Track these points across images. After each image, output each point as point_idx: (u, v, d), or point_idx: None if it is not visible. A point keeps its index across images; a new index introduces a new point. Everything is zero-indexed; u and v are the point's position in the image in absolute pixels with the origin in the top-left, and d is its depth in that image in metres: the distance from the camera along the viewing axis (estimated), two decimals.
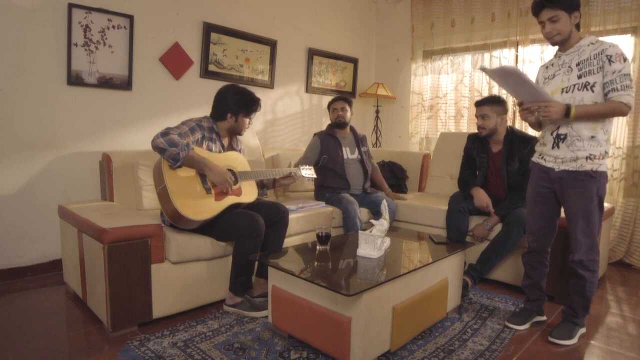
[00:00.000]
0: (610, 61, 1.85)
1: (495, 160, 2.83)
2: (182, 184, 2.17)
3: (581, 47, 1.97)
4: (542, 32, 2.01)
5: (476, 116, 2.83)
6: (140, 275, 2.06)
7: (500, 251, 2.64)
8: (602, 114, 1.88)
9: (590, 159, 1.93)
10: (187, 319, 2.21)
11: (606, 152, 1.95)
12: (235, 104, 2.41)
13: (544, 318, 2.31)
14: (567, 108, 1.86)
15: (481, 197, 2.74)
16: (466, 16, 4.18)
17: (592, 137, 1.92)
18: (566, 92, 1.97)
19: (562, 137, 1.99)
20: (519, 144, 2.72)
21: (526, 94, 1.93)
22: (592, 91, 1.90)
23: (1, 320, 2.18)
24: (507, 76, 1.89)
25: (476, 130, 2.88)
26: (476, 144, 2.91)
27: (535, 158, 2.16)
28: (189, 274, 2.23)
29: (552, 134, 2.02)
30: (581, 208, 1.96)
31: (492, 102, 2.76)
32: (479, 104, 2.81)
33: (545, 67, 2.13)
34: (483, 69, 1.99)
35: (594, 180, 1.94)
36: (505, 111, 2.80)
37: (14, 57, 2.62)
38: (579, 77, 1.94)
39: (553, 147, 2.02)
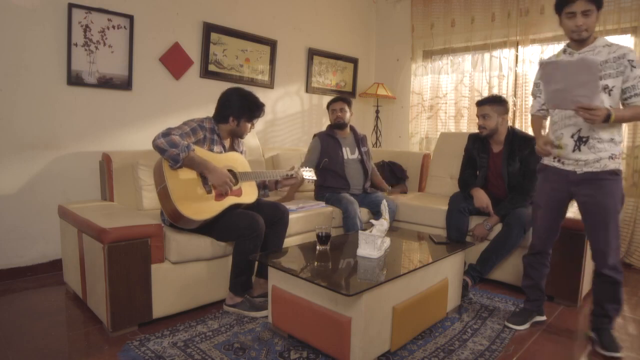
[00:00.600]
0: (632, 66, 1.85)
1: (495, 161, 2.83)
2: (182, 184, 2.17)
3: (596, 48, 1.94)
4: (567, 24, 1.92)
5: (477, 116, 2.82)
6: (140, 275, 2.06)
7: (500, 251, 2.64)
8: (633, 118, 1.90)
9: (612, 158, 1.93)
10: (187, 319, 2.21)
11: (621, 153, 1.97)
12: (239, 108, 2.40)
13: (544, 318, 2.31)
14: (609, 114, 1.82)
15: (481, 197, 2.74)
16: (466, 16, 4.18)
17: (611, 139, 1.93)
18: None
19: (583, 140, 1.96)
20: (519, 144, 2.72)
21: (577, 95, 1.83)
22: (610, 94, 1.90)
23: (1, 320, 2.18)
24: (576, 71, 1.80)
25: (476, 130, 2.88)
26: (477, 144, 2.91)
27: (548, 161, 2.11)
28: (189, 274, 2.23)
29: (572, 137, 1.99)
30: (611, 209, 1.94)
31: (493, 102, 2.75)
32: (480, 103, 2.81)
33: None
34: (543, 63, 1.92)
35: (618, 179, 1.94)
36: (506, 111, 2.79)
37: (14, 57, 2.62)
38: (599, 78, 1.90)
39: (574, 150, 1.99)
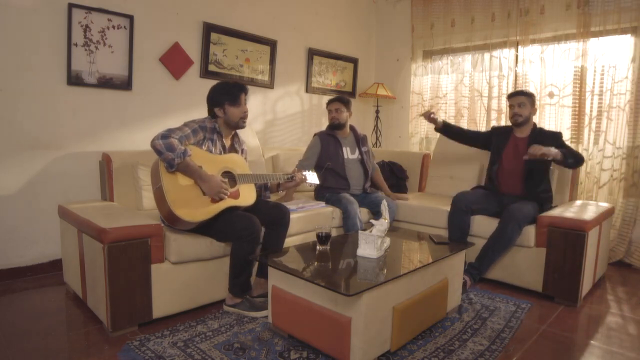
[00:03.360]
0: None
1: (518, 142, 2.94)
2: (178, 185, 2.16)
3: None
4: None
5: (511, 106, 2.95)
6: (140, 275, 2.06)
7: (497, 247, 2.66)
8: None
9: None
10: (187, 319, 2.21)
11: None
12: (219, 96, 2.38)
13: None
14: None
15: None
16: (466, 16, 4.18)
17: None
18: None
19: None
20: (548, 135, 2.87)
21: None
22: None
23: (1, 320, 2.18)
24: None
25: (480, 130, 2.94)
26: (500, 130, 3.11)
27: None
28: (189, 274, 2.23)
29: None
30: None
31: (527, 94, 2.93)
32: (515, 94, 2.98)
33: None
34: None
35: None
36: (534, 104, 2.95)
37: (14, 57, 2.62)
38: None
39: None
